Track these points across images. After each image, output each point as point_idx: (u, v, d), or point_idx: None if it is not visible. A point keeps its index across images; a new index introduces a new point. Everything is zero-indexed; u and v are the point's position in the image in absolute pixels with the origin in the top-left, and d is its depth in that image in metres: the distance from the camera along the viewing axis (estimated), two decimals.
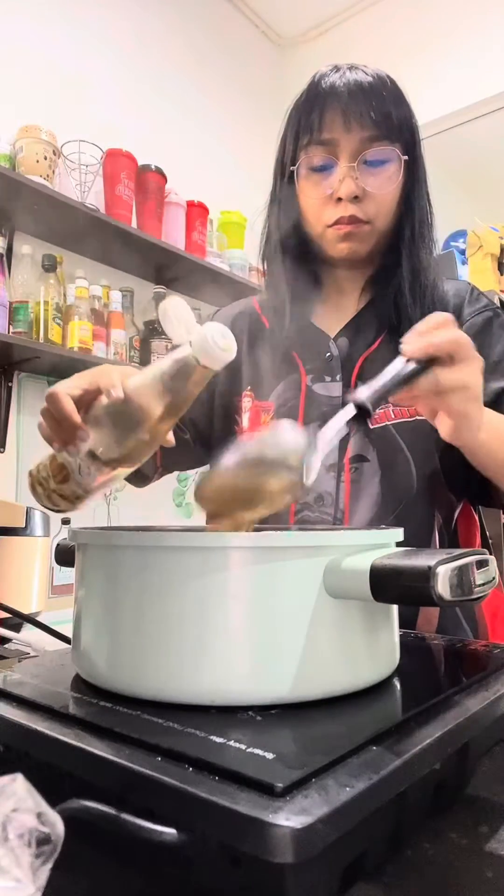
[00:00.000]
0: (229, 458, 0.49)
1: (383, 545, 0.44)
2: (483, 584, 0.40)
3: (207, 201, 2.36)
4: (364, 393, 0.54)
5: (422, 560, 0.37)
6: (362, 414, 0.54)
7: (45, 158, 1.88)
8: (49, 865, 0.22)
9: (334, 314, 0.89)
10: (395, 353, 0.72)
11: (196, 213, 2.31)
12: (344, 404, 0.76)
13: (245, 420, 0.89)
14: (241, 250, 2.54)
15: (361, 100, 0.77)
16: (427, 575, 0.36)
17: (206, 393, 0.90)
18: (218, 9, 2.77)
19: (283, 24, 2.95)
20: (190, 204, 2.30)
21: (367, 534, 0.44)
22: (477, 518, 0.90)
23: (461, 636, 0.82)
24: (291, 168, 0.83)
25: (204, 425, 0.92)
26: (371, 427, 0.81)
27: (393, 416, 0.81)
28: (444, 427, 0.62)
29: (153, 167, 2.15)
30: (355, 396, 0.54)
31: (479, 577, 0.39)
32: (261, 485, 0.48)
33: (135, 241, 2.07)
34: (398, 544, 0.46)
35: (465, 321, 0.83)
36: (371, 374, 0.81)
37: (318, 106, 0.79)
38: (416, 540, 0.79)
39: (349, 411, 0.54)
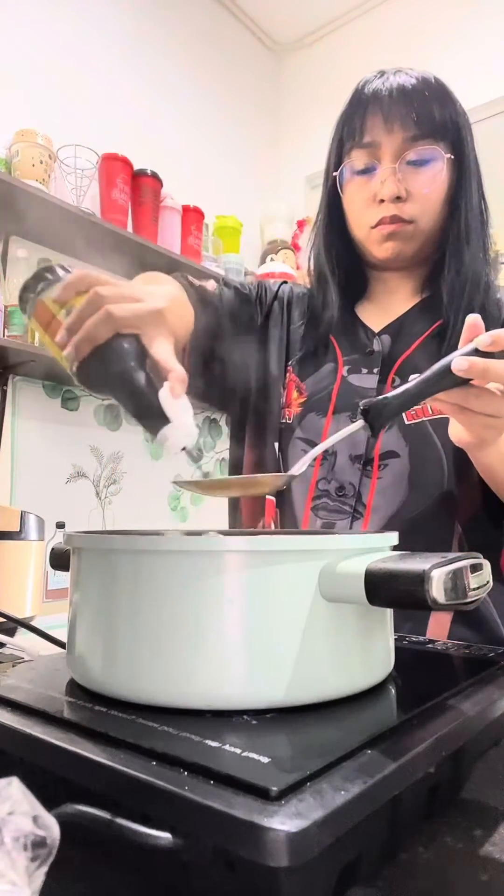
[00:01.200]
0: None
1: (378, 549, 0.44)
2: (477, 588, 0.40)
3: (203, 206, 2.37)
4: (375, 402, 0.54)
5: (416, 564, 0.37)
6: (371, 425, 0.54)
7: (41, 163, 1.89)
8: (45, 869, 0.22)
9: (382, 313, 0.89)
10: (438, 353, 0.70)
11: (192, 217, 2.32)
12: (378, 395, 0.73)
13: (285, 394, 0.89)
14: (236, 255, 2.54)
15: (402, 102, 0.77)
16: (422, 578, 0.36)
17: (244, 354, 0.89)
18: (214, 15, 2.78)
19: (278, 30, 2.96)
20: (185, 208, 2.31)
21: (362, 538, 0.44)
22: None
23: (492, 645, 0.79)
24: (334, 173, 0.83)
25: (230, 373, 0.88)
26: (406, 422, 0.80)
27: (431, 412, 0.80)
28: (455, 431, 0.62)
29: (149, 172, 2.16)
30: (365, 403, 0.54)
31: (473, 581, 0.39)
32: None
33: (130, 246, 2.08)
34: (394, 548, 0.46)
35: None
36: (409, 371, 0.79)
37: (360, 111, 0.80)
38: (434, 543, 0.78)
39: (357, 424, 0.54)
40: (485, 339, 0.52)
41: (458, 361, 0.52)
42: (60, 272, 0.60)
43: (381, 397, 0.54)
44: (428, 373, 0.54)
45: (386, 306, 0.89)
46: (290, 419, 0.86)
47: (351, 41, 2.83)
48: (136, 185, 2.14)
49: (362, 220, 0.82)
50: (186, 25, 2.64)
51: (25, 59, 2.07)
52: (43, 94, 2.10)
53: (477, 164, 0.83)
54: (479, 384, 0.54)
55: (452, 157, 0.80)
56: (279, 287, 0.96)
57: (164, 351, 0.57)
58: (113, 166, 2.07)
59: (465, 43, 2.50)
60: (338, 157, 0.84)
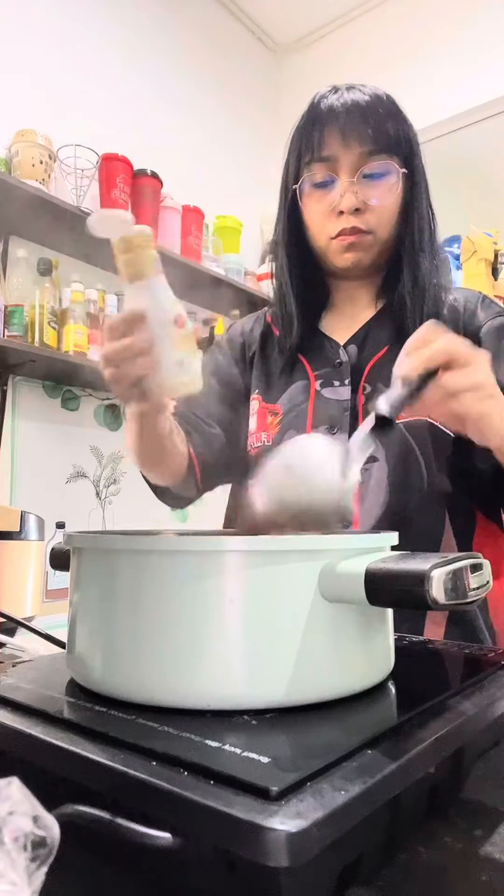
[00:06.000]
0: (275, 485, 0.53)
1: (378, 549, 0.44)
2: (477, 588, 0.40)
3: (203, 206, 2.37)
4: (384, 404, 0.56)
5: (417, 564, 0.37)
6: (385, 423, 0.56)
7: (41, 163, 1.89)
8: (44, 869, 0.22)
9: (346, 323, 0.91)
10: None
11: (192, 217, 2.32)
12: (352, 408, 0.79)
13: (252, 422, 0.91)
14: (236, 254, 2.54)
15: (358, 117, 0.80)
16: (422, 578, 0.36)
17: (226, 391, 0.94)
18: (214, 15, 2.78)
19: (278, 30, 2.96)
20: (185, 208, 2.31)
21: (362, 538, 0.44)
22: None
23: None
24: (295, 186, 0.86)
25: (228, 422, 0.94)
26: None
27: (404, 416, 0.82)
28: (468, 429, 0.64)
29: (149, 172, 2.16)
30: (377, 408, 0.56)
31: (473, 580, 0.39)
32: (313, 517, 0.50)
33: None
34: (394, 548, 0.46)
35: (481, 325, 0.85)
36: (378, 378, 0.82)
37: (317, 126, 0.82)
38: (424, 541, 0.81)
39: (370, 421, 0.56)
40: (406, 373, 0.57)
41: (395, 370, 0.58)
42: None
43: (383, 395, 0.57)
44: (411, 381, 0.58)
45: (349, 315, 0.92)
46: (269, 442, 0.88)
47: (351, 41, 2.83)
48: (136, 185, 2.14)
49: (323, 231, 0.85)
50: (186, 25, 2.64)
51: (26, 59, 2.07)
52: (43, 94, 2.10)
53: (425, 176, 0.87)
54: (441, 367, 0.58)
55: (406, 171, 0.83)
56: (230, 329, 1.01)
57: None
58: (113, 166, 2.07)
59: (466, 43, 2.50)
60: (296, 170, 0.86)
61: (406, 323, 0.84)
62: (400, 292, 0.85)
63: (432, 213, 0.88)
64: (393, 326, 0.87)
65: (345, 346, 0.89)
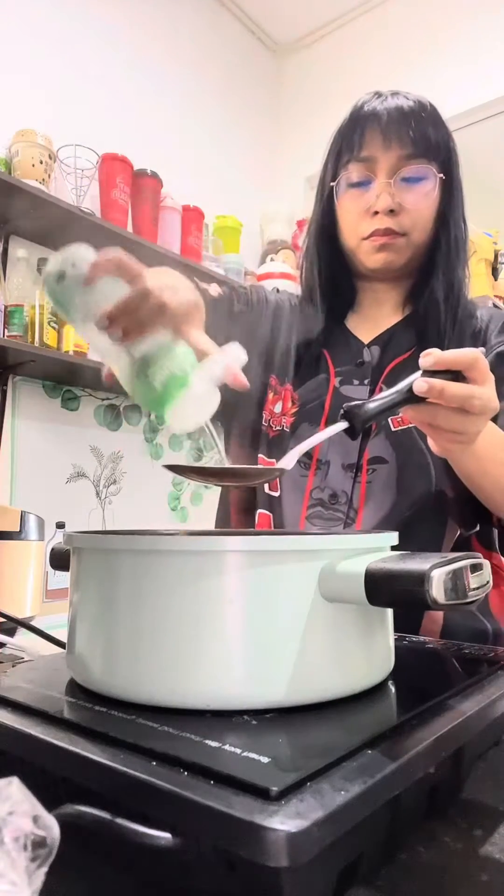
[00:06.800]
0: None
1: (378, 549, 0.44)
2: (477, 588, 0.40)
3: (203, 206, 2.37)
4: (355, 405, 0.56)
5: (416, 564, 0.37)
6: (352, 426, 0.56)
7: (41, 163, 1.89)
8: (44, 869, 0.22)
9: (370, 324, 0.92)
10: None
11: (191, 217, 2.32)
12: None
13: (279, 405, 0.91)
14: (236, 254, 2.54)
15: (400, 121, 0.81)
16: (422, 578, 0.36)
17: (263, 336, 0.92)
18: (214, 15, 2.78)
19: (279, 30, 2.96)
20: (185, 208, 2.31)
21: (362, 538, 0.44)
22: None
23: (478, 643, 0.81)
24: (331, 184, 0.86)
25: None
26: (393, 429, 0.82)
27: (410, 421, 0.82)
28: (430, 443, 0.64)
29: (149, 172, 2.16)
30: (347, 406, 0.56)
31: (473, 580, 0.39)
32: None
33: (130, 246, 2.07)
34: (393, 548, 0.46)
35: (489, 346, 0.85)
36: (396, 381, 0.85)
37: (359, 127, 0.83)
38: (426, 544, 0.81)
39: (340, 425, 0.56)
40: (428, 361, 0.55)
41: (418, 383, 0.55)
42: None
43: (359, 402, 0.57)
44: (398, 386, 0.57)
45: (374, 318, 0.92)
46: (287, 427, 0.88)
47: (351, 41, 2.83)
48: (136, 185, 2.14)
49: (356, 230, 0.85)
50: (187, 25, 2.64)
51: (26, 60, 2.07)
52: (43, 94, 2.10)
53: (461, 186, 0.87)
54: (442, 403, 0.56)
55: (443, 176, 0.84)
56: (273, 295, 0.99)
57: (205, 340, 0.59)
58: (113, 166, 2.07)
59: (466, 43, 2.50)
60: (334, 169, 0.86)
61: (433, 329, 0.84)
62: (433, 298, 0.85)
63: (465, 224, 0.88)
64: (418, 332, 0.87)
65: (368, 346, 0.89)
